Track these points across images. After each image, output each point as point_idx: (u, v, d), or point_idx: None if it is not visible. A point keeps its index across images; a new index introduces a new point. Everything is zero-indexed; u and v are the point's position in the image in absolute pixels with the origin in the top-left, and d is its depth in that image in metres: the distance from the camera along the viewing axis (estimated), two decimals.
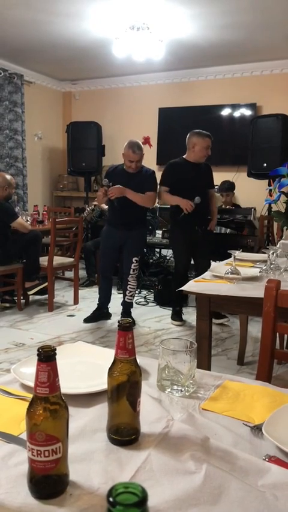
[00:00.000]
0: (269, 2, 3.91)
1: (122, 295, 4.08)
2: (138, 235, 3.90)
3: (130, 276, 3.89)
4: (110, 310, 4.15)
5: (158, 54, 4.78)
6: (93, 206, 5.52)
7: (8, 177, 4.29)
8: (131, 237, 3.85)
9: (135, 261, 3.87)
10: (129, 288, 3.93)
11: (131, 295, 3.97)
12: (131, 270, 3.87)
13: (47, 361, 0.69)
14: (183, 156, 3.87)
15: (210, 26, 4.52)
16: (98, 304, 4.07)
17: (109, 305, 4.14)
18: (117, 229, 3.84)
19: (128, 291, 3.95)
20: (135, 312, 4.23)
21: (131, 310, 4.06)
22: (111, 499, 0.41)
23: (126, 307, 4.02)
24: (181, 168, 3.81)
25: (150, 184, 3.77)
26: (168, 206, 4.07)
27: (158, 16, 4.28)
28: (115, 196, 3.63)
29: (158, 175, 3.87)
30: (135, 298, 4.79)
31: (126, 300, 3.99)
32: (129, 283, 3.91)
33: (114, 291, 4.49)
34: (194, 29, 4.61)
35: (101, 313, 4.06)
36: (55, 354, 0.70)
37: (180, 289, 2.02)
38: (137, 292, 5.02)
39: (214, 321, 3.84)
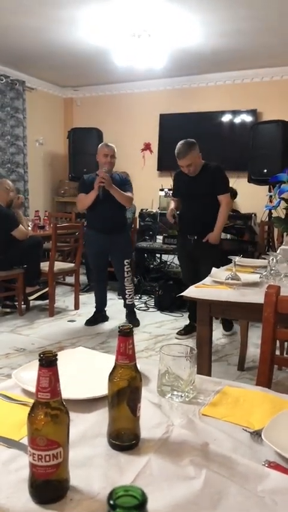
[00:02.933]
0: (269, 9, 3.93)
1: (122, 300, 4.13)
2: (123, 238, 3.98)
3: (125, 279, 3.97)
4: (111, 316, 4.21)
5: (159, 61, 4.81)
6: None
7: (10, 183, 4.33)
8: (118, 242, 3.91)
9: (127, 263, 3.95)
10: (128, 291, 4.02)
11: (131, 297, 4.06)
12: (125, 272, 3.95)
13: (48, 366, 0.70)
14: None
15: (211, 33, 4.55)
16: (95, 307, 4.16)
17: (108, 310, 4.21)
18: (101, 233, 3.87)
19: (127, 295, 4.04)
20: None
21: (135, 310, 4.18)
22: (111, 502, 0.42)
23: (130, 308, 4.12)
24: (180, 177, 3.73)
25: (128, 186, 3.92)
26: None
27: (158, 23, 4.31)
28: (103, 184, 3.65)
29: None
30: (136, 303, 4.80)
31: (127, 303, 4.08)
32: (126, 287, 4.00)
33: (114, 296, 4.50)
34: (195, 36, 4.64)
35: (99, 316, 4.14)
36: (56, 359, 0.71)
37: (181, 294, 2.03)
38: (137, 297, 5.04)
39: (223, 332, 3.84)
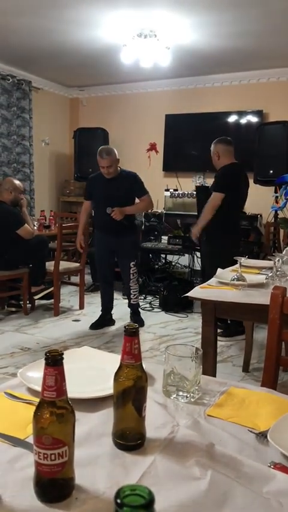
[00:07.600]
0: (276, 9, 3.92)
1: (127, 299, 4.12)
2: (129, 241, 3.92)
3: (131, 280, 3.95)
4: (115, 316, 4.17)
5: (164, 61, 4.81)
6: None
7: (16, 182, 4.31)
8: (123, 244, 3.87)
9: (132, 266, 3.93)
10: (132, 292, 4.02)
11: (135, 297, 4.05)
12: (131, 274, 3.93)
13: (55, 365, 0.70)
14: None
15: (217, 33, 4.54)
16: (101, 310, 4.10)
17: (113, 311, 4.16)
18: (107, 235, 3.86)
19: (131, 295, 4.03)
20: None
21: (139, 310, 4.17)
22: (118, 501, 0.42)
23: (134, 308, 4.11)
24: None
25: (140, 190, 3.85)
26: (174, 212, 4.10)
27: (165, 24, 4.31)
28: (120, 218, 3.69)
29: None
30: (140, 303, 4.80)
31: (132, 302, 4.07)
32: (131, 288, 3.99)
33: (119, 296, 4.50)
34: (201, 36, 4.64)
35: (105, 320, 4.07)
36: (62, 358, 0.71)
37: (186, 295, 2.03)
38: (141, 297, 5.04)
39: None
